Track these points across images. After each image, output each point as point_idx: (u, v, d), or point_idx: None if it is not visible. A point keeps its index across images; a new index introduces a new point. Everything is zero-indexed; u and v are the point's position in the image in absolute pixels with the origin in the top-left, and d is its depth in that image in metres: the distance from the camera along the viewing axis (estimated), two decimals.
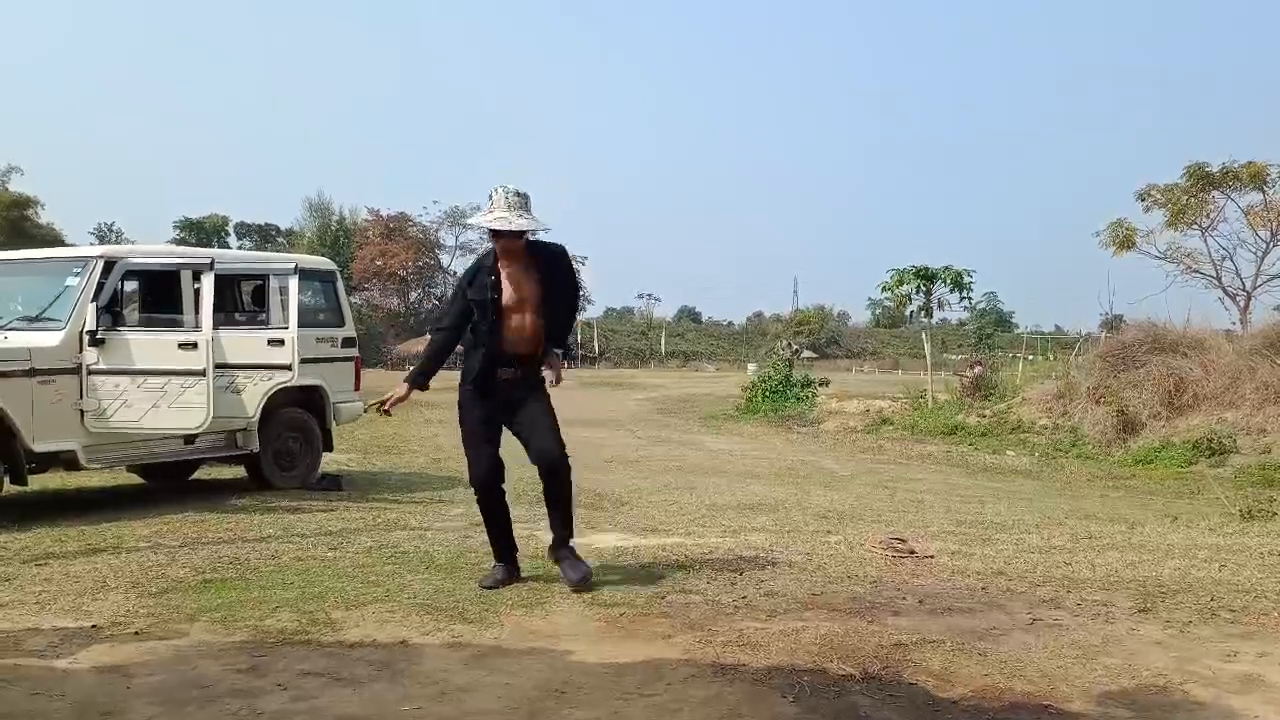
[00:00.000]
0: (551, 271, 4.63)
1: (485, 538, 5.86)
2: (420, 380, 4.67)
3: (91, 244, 40.80)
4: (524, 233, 4.47)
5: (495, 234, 4.45)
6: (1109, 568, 5.27)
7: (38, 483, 7.43)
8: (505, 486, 4.75)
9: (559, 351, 4.71)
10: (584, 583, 4.53)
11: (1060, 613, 4.23)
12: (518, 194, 4.45)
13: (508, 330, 4.53)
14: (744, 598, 4.46)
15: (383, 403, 4.68)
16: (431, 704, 3.13)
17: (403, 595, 4.44)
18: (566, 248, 4.78)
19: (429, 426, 16.76)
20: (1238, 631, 3.99)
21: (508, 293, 4.52)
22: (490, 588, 4.56)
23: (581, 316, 76.53)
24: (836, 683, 3.33)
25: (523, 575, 4.76)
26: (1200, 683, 3.34)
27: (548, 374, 4.68)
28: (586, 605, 4.31)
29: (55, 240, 42.47)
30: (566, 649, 3.70)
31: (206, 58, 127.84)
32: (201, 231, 65.70)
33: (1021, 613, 4.22)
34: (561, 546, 4.73)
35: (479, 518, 6.54)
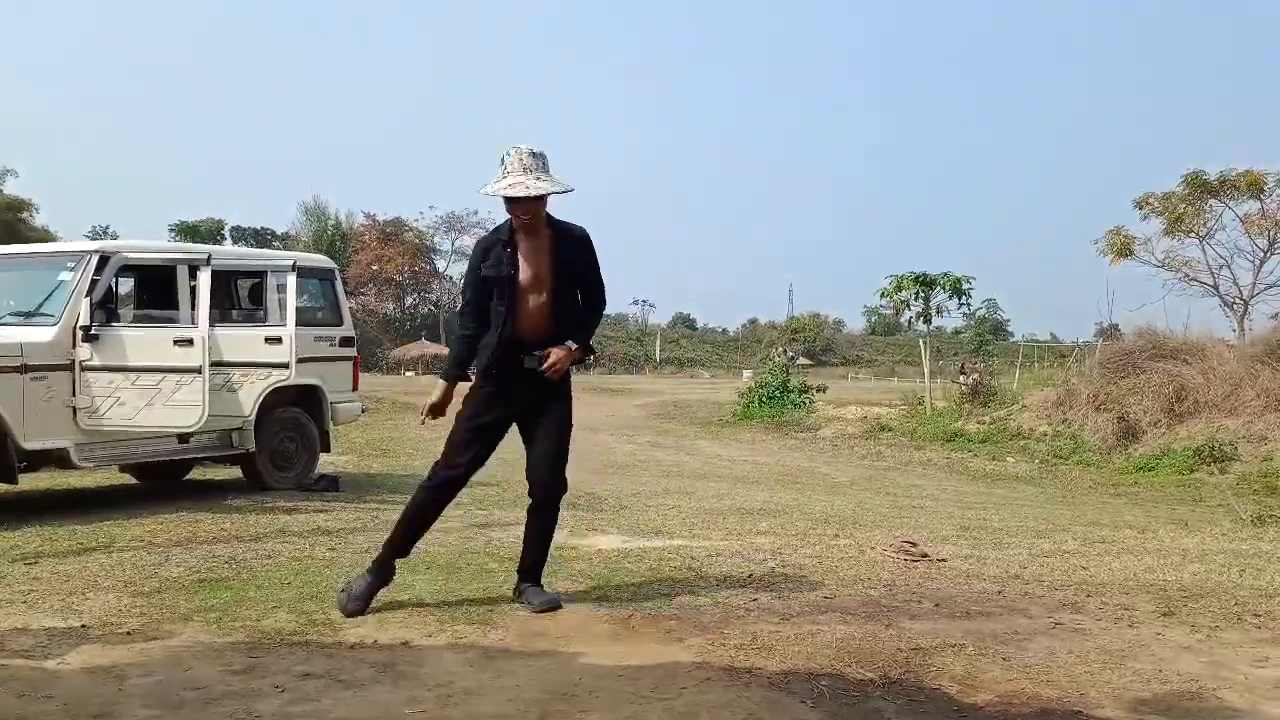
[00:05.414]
0: (570, 254, 4.08)
1: (486, 538, 5.78)
2: (458, 373, 4.16)
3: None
4: (543, 198, 3.94)
5: (512, 202, 3.93)
6: (1127, 572, 5.17)
7: (28, 481, 7.28)
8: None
9: (573, 346, 4.08)
10: (549, 606, 4.08)
11: (1082, 617, 4.12)
12: (533, 154, 3.91)
13: (524, 313, 4.02)
14: (755, 600, 4.34)
15: (431, 410, 4.16)
16: (437, 707, 3.00)
17: (403, 596, 4.31)
18: (589, 231, 4.18)
19: (423, 431, 16.63)
20: (1266, 636, 3.89)
21: (525, 270, 4.01)
22: (358, 609, 4.01)
23: None
24: (857, 687, 3.21)
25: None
26: (1235, 689, 3.23)
27: (556, 355, 4.01)
28: (594, 607, 4.18)
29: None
30: (575, 651, 3.57)
31: (202, 63, 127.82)
32: (197, 235, 65.36)
33: (1042, 617, 4.11)
34: (528, 578, 4.24)
35: (478, 519, 6.40)
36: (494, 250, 4.06)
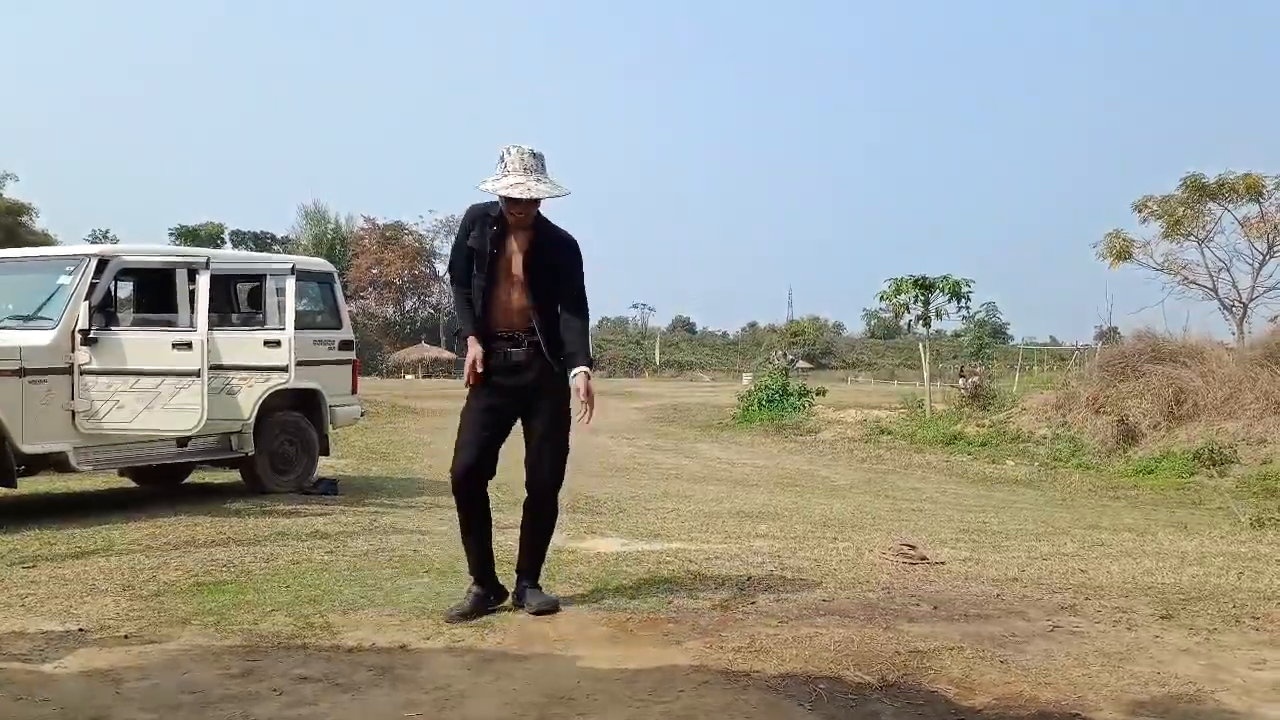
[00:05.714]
0: (549, 248, 4.07)
1: None
2: (475, 327, 4.08)
3: None
4: (539, 200, 3.97)
5: (509, 201, 3.94)
6: (1125, 574, 5.17)
7: (27, 485, 7.27)
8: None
9: (586, 370, 4.05)
10: (547, 608, 4.08)
11: (1080, 619, 4.12)
12: (533, 154, 3.95)
13: (501, 304, 4.04)
14: (753, 603, 4.34)
15: (473, 374, 4.03)
16: (434, 710, 3.00)
17: (401, 599, 4.31)
18: (577, 240, 4.18)
19: (423, 434, 16.65)
20: (1264, 639, 3.88)
21: (509, 254, 4.03)
22: (459, 619, 3.97)
23: None
24: (854, 690, 3.21)
25: (505, 594, 4.20)
26: (1233, 691, 3.22)
27: (578, 396, 4.05)
28: (592, 610, 4.18)
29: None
30: (573, 654, 3.56)
31: (202, 63, 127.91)
32: (197, 239, 65.31)
33: (1040, 619, 4.10)
34: (525, 579, 4.21)
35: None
36: (481, 222, 4.07)
